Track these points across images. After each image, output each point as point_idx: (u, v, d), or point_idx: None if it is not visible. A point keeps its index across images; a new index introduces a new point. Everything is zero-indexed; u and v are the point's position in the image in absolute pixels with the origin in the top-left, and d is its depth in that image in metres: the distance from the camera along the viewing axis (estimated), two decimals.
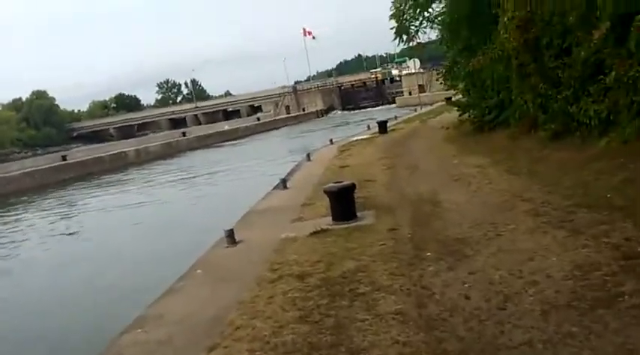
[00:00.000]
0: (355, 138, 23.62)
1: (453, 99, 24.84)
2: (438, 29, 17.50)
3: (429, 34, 18.26)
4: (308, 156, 18.68)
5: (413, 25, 17.73)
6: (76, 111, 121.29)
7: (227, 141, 51.26)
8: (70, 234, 18.56)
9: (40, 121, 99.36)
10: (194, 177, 29.46)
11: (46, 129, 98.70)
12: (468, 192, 9.37)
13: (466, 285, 5.34)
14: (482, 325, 4.41)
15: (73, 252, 15.80)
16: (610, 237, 5.80)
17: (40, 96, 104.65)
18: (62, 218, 22.33)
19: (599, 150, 9.08)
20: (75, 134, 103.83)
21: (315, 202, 11.16)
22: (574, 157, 9.51)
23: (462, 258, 6.14)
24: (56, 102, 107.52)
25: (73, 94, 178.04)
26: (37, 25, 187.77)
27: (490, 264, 5.78)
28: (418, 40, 18.23)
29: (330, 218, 8.97)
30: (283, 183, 13.70)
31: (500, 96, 13.85)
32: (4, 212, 26.45)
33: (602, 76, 8.89)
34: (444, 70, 19.69)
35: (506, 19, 11.40)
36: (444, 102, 38.99)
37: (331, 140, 24.20)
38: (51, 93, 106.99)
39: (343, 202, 8.88)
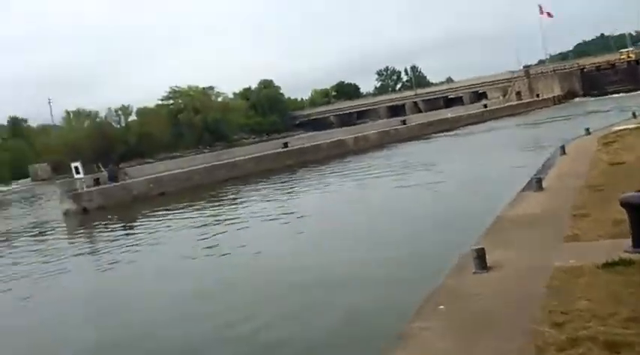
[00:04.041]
0: (619, 128, 19.20)
1: None
2: None
3: None
4: (562, 148, 15.28)
5: None
6: (298, 99, 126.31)
7: (449, 130, 48.00)
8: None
9: (266, 109, 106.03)
10: (421, 168, 27.00)
11: (271, 116, 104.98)
12: None
13: None
14: None
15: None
16: None
17: (266, 85, 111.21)
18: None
19: None
20: (297, 121, 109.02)
21: (590, 213, 8.41)
22: None
23: None
24: (280, 91, 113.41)
25: (290, 83, 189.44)
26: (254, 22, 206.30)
27: None
28: None
29: (630, 241, 6.40)
30: (538, 183, 10.88)
31: None
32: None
33: None
34: None
35: None
36: None
37: (587, 129, 20.00)
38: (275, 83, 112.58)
39: None
